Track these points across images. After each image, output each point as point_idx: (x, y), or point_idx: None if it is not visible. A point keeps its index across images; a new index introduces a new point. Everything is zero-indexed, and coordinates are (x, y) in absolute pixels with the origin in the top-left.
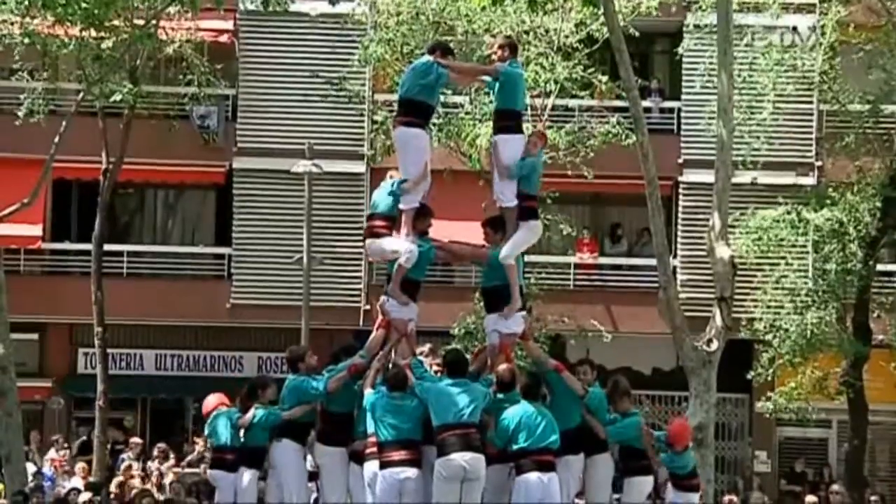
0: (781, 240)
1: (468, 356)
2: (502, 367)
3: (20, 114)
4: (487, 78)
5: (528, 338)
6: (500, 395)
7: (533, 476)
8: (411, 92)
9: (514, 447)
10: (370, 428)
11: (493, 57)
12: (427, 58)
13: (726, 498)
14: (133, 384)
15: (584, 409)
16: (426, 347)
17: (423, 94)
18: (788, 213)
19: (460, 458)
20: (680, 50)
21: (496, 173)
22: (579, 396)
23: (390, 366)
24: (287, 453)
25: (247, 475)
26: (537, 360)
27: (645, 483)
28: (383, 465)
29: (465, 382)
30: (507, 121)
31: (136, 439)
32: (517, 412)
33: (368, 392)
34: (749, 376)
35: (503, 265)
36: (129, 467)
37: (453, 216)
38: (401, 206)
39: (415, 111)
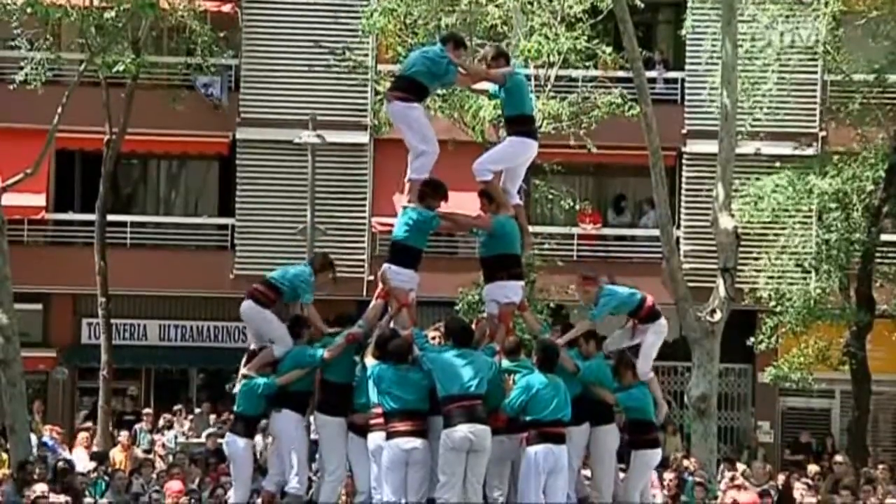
0: (785, 209)
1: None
2: (511, 338)
3: (17, 79)
4: (488, 86)
5: (524, 308)
6: (510, 363)
7: (544, 448)
8: (414, 70)
9: (527, 418)
10: (374, 398)
11: (486, 67)
12: (440, 46)
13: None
14: (137, 354)
15: (587, 383)
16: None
17: (427, 79)
18: (791, 180)
19: (466, 429)
20: (684, 31)
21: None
22: (572, 374)
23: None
24: (287, 424)
25: (241, 443)
26: (533, 332)
27: (653, 456)
28: (389, 436)
29: (471, 353)
30: (522, 126)
31: (147, 410)
32: (531, 383)
33: (371, 363)
34: (750, 342)
35: (505, 235)
36: (134, 437)
37: (456, 187)
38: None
39: (413, 90)
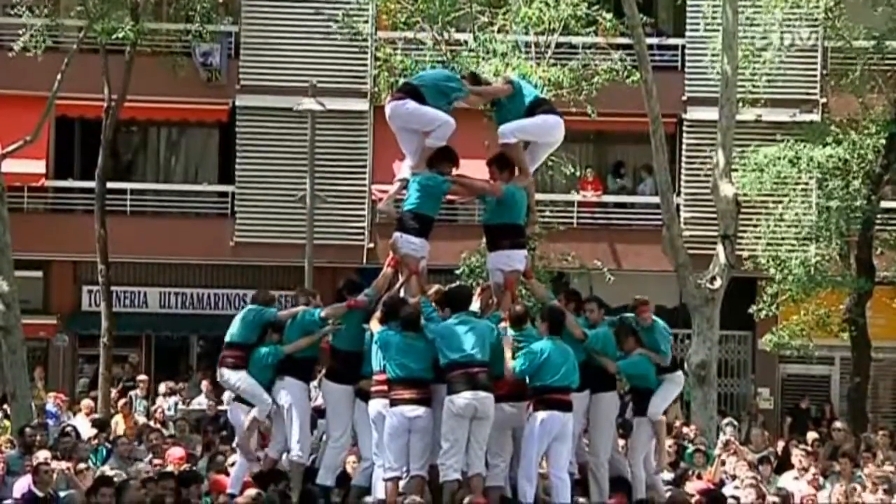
0: (785, 178)
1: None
2: (518, 306)
3: (16, 47)
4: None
5: (530, 276)
6: (515, 332)
7: (550, 414)
8: (421, 80)
9: (537, 383)
10: (377, 365)
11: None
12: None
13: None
14: (137, 322)
15: (592, 351)
16: (434, 288)
17: (430, 91)
18: (791, 149)
19: (470, 396)
20: None
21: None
22: (579, 341)
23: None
24: (291, 391)
25: (244, 411)
26: (540, 300)
27: None
28: (393, 403)
29: (472, 319)
30: (544, 105)
31: (142, 376)
32: (542, 348)
33: (377, 327)
34: (751, 311)
35: (513, 204)
36: (129, 404)
37: (458, 154)
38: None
39: (410, 95)
